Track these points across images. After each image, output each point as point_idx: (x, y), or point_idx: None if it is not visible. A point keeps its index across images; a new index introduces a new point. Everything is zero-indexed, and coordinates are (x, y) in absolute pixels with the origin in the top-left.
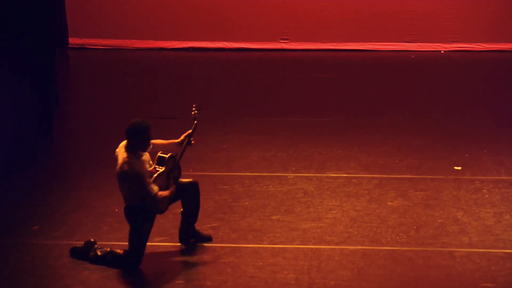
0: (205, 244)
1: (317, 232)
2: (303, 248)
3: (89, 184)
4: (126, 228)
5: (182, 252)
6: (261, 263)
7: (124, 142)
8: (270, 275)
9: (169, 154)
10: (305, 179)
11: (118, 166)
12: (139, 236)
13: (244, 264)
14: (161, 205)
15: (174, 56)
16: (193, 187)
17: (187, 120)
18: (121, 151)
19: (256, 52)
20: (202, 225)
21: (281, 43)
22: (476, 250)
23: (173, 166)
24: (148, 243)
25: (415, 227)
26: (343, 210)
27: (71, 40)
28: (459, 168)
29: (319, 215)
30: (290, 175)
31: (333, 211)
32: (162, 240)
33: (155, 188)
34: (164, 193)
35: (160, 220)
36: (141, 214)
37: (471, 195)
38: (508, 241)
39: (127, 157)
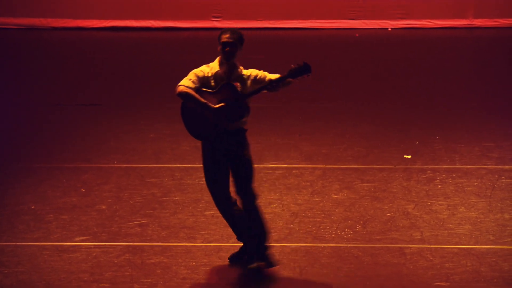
0: (132, 243)
1: None
2: (239, 246)
3: (1, 180)
4: (44, 227)
5: (107, 252)
6: (194, 263)
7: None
8: (204, 276)
9: (227, 82)
10: None
11: None
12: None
13: (176, 265)
14: (184, 100)
15: (94, 36)
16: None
17: (111, 108)
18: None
19: (186, 31)
20: (128, 223)
21: (213, 21)
22: (428, 246)
23: (228, 96)
24: (68, 243)
25: (362, 222)
26: (283, 204)
27: None
28: (409, 156)
29: None
30: None
31: (272, 205)
32: (84, 240)
33: (188, 82)
34: (195, 94)
35: (82, 218)
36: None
37: (423, 186)
38: (463, 235)
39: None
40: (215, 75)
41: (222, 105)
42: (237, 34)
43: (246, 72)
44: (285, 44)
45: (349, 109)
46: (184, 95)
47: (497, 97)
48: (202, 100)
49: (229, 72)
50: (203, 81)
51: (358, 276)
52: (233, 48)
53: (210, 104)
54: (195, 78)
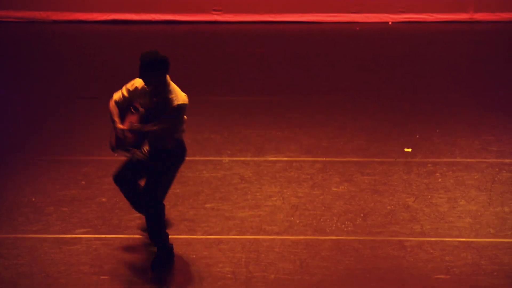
0: (132, 236)
1: (255, 221)
2: (240, 238)
3: (1, 172)
4: (44, 219)
5: (107, 244)
6: (194, 256)
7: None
8: (205, 268)
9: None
10: (242, 163)
11: None
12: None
13: (176, 257)
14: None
15: (95, 29)
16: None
17: (108, 101)
18: None
19: (186, 24)
20: (128, 215)
21: (214, 15)
22: (428, 239)
23: (131, 119)
24: (68, 235)
25: (362, 215)
26: (284, 197)
27: None
28: (409, 150)
29: (257, 202)
30: (225, 159)
31: (272, 198)
32: (85, 232)
33: (117, 95)
34: (113, 110)
35: (82, 210)
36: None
37: (423, 179)
38: (463, 228)
39: None
40: (142, 89)
41: (124, 128)
42: (148, 63)
43: (173, 96)
44: (286, 38)
45: (349, 102)
46: (109, 108)
47: (497, 91)
48: (114, 117)
49: (154, 90)
50: (134, 93)
51: (358, 269)
52: (147, 79)
53: (117, 122)
54: (124, 93)
